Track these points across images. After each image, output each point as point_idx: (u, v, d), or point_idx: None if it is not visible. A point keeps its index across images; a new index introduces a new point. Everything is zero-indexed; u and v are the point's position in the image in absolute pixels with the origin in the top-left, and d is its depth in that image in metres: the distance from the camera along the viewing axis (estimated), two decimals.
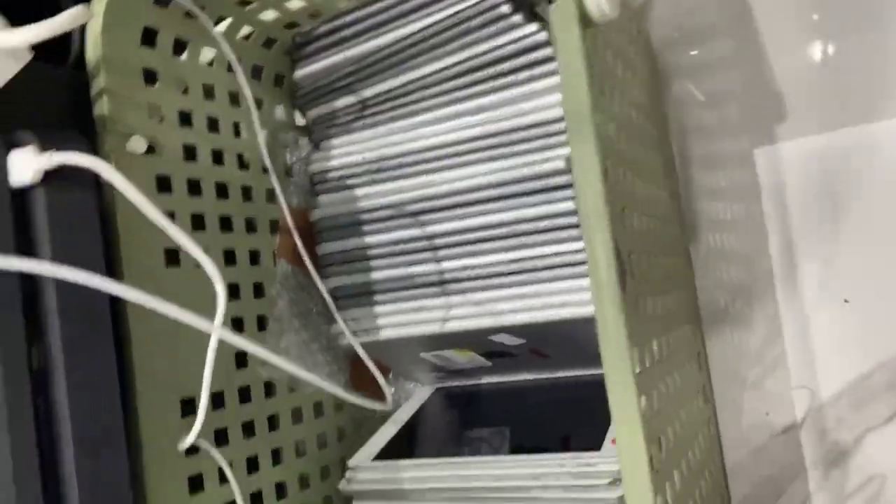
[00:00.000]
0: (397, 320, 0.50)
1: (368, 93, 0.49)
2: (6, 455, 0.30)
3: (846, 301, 0.52)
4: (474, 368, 0.55)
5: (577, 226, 0.44)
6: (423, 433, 0.55)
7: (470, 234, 0.47)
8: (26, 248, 0.31)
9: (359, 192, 0.50)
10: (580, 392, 0.53)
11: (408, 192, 0.49)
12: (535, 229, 0.45)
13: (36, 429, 0.31)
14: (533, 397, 0.55)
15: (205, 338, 0.38)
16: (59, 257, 0.32)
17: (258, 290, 0.50)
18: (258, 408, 0.48)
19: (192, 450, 0.42)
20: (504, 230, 0.46)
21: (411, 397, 0.60)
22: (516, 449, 0.47)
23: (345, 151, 0.51)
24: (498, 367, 0.55)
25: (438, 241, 0.48)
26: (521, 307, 0.46)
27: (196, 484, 0.42)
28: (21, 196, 0.32)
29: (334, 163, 0.51)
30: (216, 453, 0.43)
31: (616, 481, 0.41)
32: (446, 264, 0.48)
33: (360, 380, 0.59)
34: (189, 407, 0.42)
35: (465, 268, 0.47)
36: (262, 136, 0.49)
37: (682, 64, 0.58)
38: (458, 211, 0.47)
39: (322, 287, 0.50)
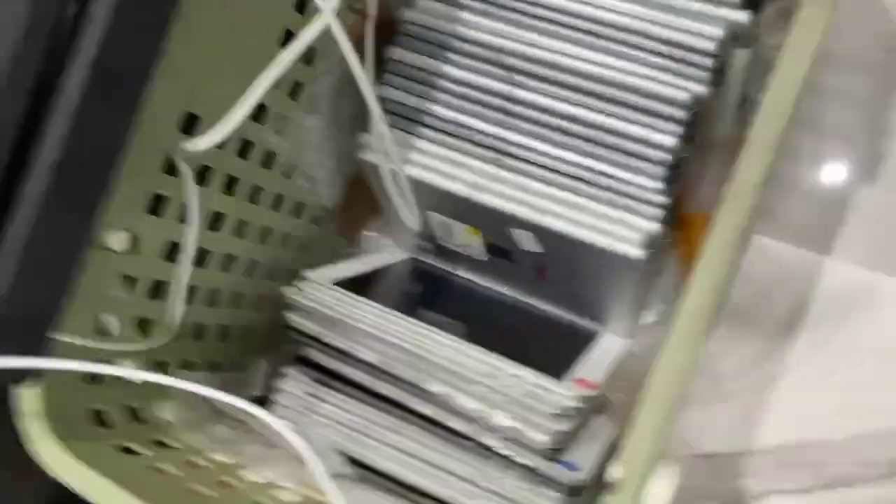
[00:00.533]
0: (432, 164, 0.45)
1: None
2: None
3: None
4: (465, 256, 0.51)
5: (663, 164, 0.40)
6: (383, 288, 0.51)
7: (552, 117, 0.43)
8: None
9: (464, 14, 0.45)
10: (554, 331, 0.50)
11: (513, 42, 0.44)
12: (620, 147, 0.41)
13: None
14: (504, 313, 0.52)
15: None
16: None
17: (308, 57, 0.44)
18: (249, 167, 0.43)
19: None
20: (589, 132, 0.42)
21: (383, 251, 0.56)
22: None
23: None
24: (488, 267, 0.51)
25: (517, 109, 0.44)
26: (564, 213, 0.42)
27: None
28: None
29: None
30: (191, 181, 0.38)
31: (561, 416, 0.39)
32: (512, 136, 0.44)
33: (350, 207, 0.55)
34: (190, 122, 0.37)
35: (530, 148, 0.43)
36: None
37: None
38: (554, 89, 0.43)
39: (369, 89, 0.45)
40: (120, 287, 0.37)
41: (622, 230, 0.41)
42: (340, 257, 0.54)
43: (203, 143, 0.36)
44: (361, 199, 0.54)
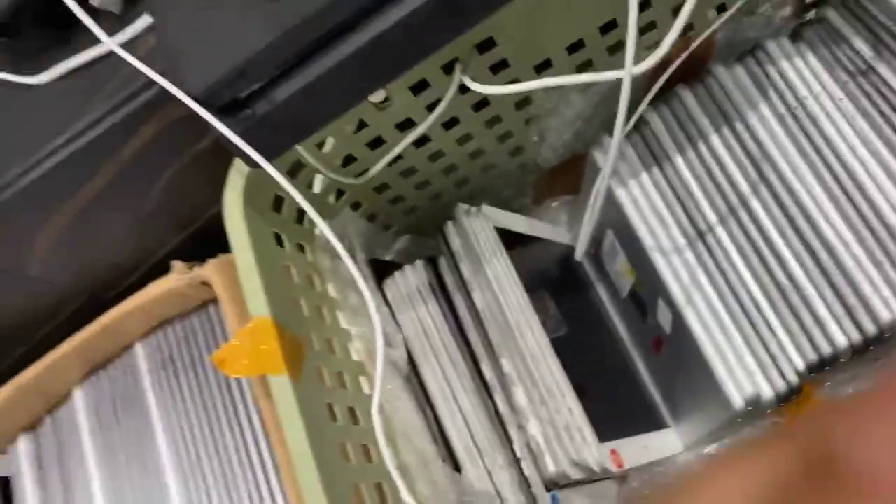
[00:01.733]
0: (639, 201, 0.47)
1: None
2: None
3: None
4: (610, 281, 0.54)
5: (822, 357, 0.41)
6: (529, 254, 0.55)
7: (765, 244, 0.43)
8: None
9: (762, 104, 0.45)
10: (633, 396, 0.52)
11: (783, 161, 0.44)
12: (798, 314, 0.42)
13: None
14: (606, 350, 0.54)
15: None
16: None
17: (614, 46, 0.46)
18: (506, 98, 0.47)
19: None
20: (783, 281, 0.42)
21: (555, 226, 0.59)
22: None
23: None
24: (621, 305, 0.54)
25: (742, 214, 0.44)
26: (709, 322, 0.44)
27: None
28: None
29: None
30: None
31: (579, 466, 0.42)
32: (721, 233, 0.45)
33: (557, 173, 0.58)
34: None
35: (726, 253, 0.44)
36: None
37: None
38: (784, 222, 0.43)
39: (637, 106, 0.47)
40: (352, 128, 0.43)
41: (743, 377, 0.42)
42: (520, 208, 0.58)
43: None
44: (569, 175, 0.57)
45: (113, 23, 0.40)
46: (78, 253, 0.51)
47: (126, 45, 0.38)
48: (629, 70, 0.33)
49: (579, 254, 0.53)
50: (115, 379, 0.55)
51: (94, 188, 0.45)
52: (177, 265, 0.50)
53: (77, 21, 0.38)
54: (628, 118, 0.46)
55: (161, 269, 0.51)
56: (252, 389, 0.48)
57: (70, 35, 0.41)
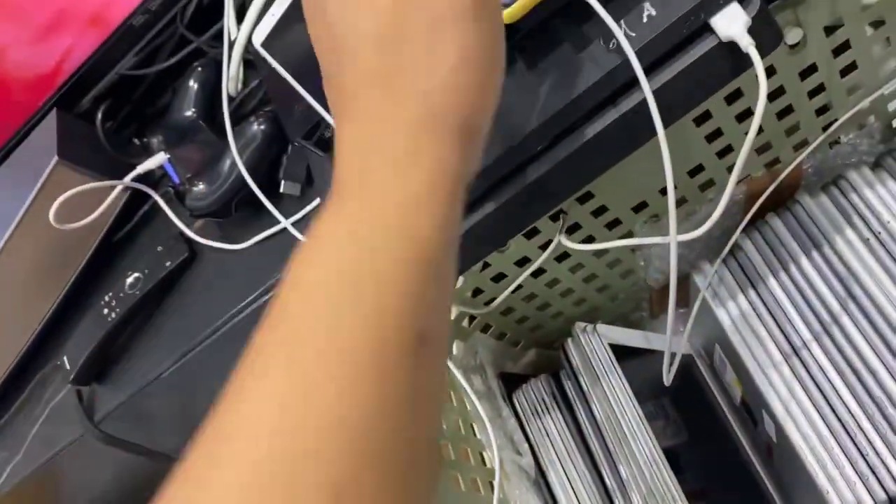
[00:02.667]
0: (738, 321, 0.52)
1: None
2: None
3: None
4: (724, 388, 0.58)
5: None
6: (648, 363, 0.61)
7: (858, 359, 0.47)
8: None
9: (848, 230, 0.49)
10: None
11: (871, 281, 0.47)
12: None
13: None
14: (724, 458, 0.58)
15: None
16: None
17: None
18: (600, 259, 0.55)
19: None
20: (880, 395, 0.45)
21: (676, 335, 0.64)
22: None
23: None
24: (737, 413, 0.57)
25: (834, 331, 0.48)
26: (808, 434, 0.47)
27: None
28: None
29: None
30: None
31: None
32: (816, 348, 0.49)
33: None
34: None
35: (822, 368, 0.48)
36: None
37: None
38: (877, 340, 0.46)
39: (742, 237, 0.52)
40: (478, 267, 0.52)
41: (844, 487, 0.45)
42: (638, 320, 0.64)
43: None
44: (681, 290, 0.62)
45: (296, 202, 0.52)
46: None
47: (299, 222, 0.51)
48: (673, 237, 0.38)
49: (667, 380, 0.57)
50: None
51: None
52: None
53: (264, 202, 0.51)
54: (723, 246, 0.52)
55: None
56: None
57: (264, 213, 0.54)
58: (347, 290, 0.23)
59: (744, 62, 0.36)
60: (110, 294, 0.60)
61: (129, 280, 0.59)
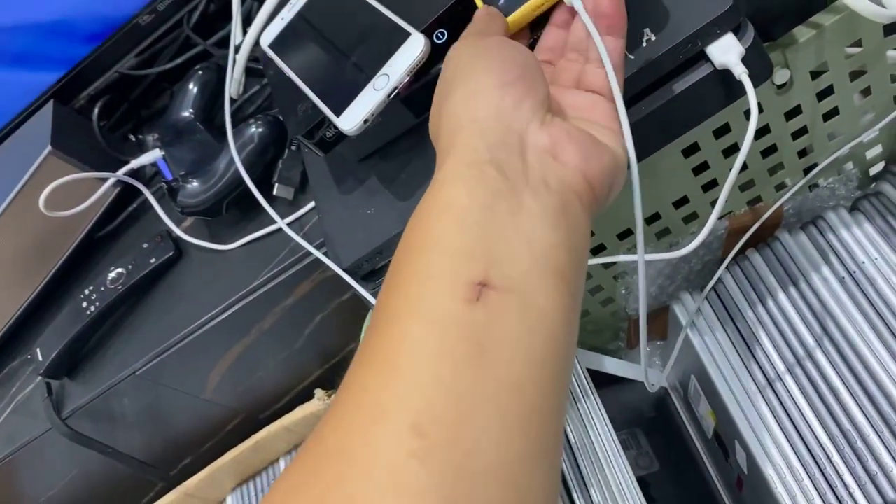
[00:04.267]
0: (713, 350, 0.53)
1: None
2: None
3: None
4: (698, 423, 0.59)
5: None
6: (626, 392, 0.61)
7: (829, 392, 0.48)
8: None
9: (824, 267, 0.51)
10: None
11: (846, 320, 0.49)
12: (862, 459, 0.45)
13: None
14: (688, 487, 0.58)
15: None
16: None
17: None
18: None
19: None
20: (849, 428, 0.46)
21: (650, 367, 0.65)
22: None
23: None
24: (709, 446, 0.58)
25: (808, 365, 0.49)
26: (779, 464, 0.48)
27: None
28: None
29: None
30: None
31: None
32: (790, 381, 0.49)
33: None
34: None
35: (794, 400, 0.49)
36: None
37: None
38: (849, 376, 0.48)
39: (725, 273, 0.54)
40: None
41: None
42: (616, 350, 0.64)
43: None
44: (659, 322, 0.63)
45: (287, 206, 0.53)
46: (241, 380, 0.63)
47: (294, 223, 0.51)
48: (641, 257, 0.39)
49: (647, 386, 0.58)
50: (262, 490, 0.65)
51: (260, 330, 0.57)
52: (318, 392, 0.61)
53: (259, 205, 0.51)
54: (707, 280, 0.53)
55: (306, 395, 0.61)
56: None
57: (254, 215, 0.54)
58: None
59: (736, 91, 0.38)
60: (91, 288, 0.59)
61: (112, 275, 0.59)
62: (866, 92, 0.50)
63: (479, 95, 0.29)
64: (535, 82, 0.30)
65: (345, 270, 0.42)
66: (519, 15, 0.36)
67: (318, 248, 0.48)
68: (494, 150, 0.27)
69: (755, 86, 0.37)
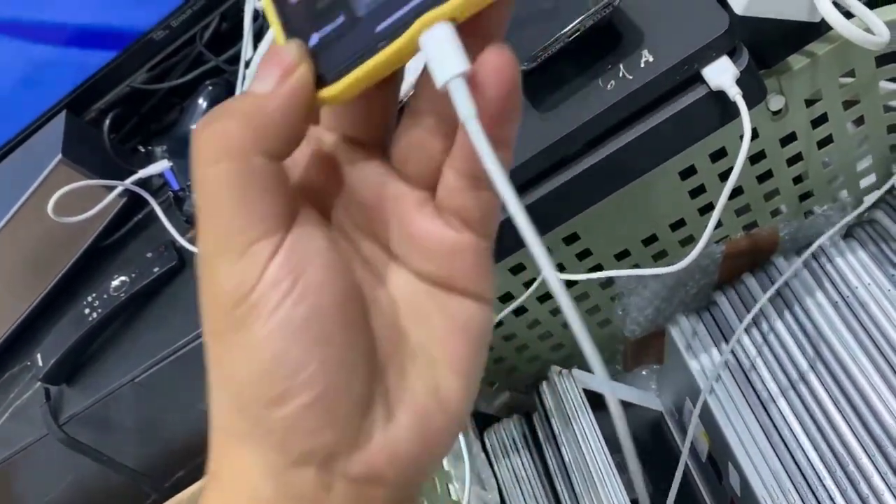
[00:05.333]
0: (710, 377, 0.53)
1: None
2: None
3: None
4: (693, 445, 0.59)
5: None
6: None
7: (820, 412, 0.48)
8: None
9: (818, 293, 0.51)
10: None
11: (840, 345, 0.49)
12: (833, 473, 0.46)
13: None
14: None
15: None
16: None
17: None
18: None
19: None
20: (841, 450, 0.47)
21: (645, 391, 0.65)
22: None
23: None
24: (702, 469, 0.58)
25: (801, 388, 0.50)
26: (768, 481, 0.48)
27: None
28: None
29: None
30: None
31: None
32: (782, 403, 0.50)
33: (648, 342, 0.65)
34: None
35: (787, 422, 0.49)
36: None
37: None
38: (841, 399, 0.48)
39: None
40: None
41: None
42: (612, 373, 0.65)
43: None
44: (656, 345, 0.64)
45: None
46: None
47: None
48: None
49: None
50: None
51: None
52: None
53: None
54: (703, 304, 0.54)
55: None
56: None
57: None
58: None
59: (731, 112, 0.39)
60: (94, 295, 0.60)
61: (115, 283, 0.60)
62: (860, 121, 0.51)
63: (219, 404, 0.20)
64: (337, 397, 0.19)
65: None
66: (359, 76, 0.19)
67: None
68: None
69: (749, 108, 0.38)
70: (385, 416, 0.20)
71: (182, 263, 0.60)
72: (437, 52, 0.18)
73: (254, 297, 0.19)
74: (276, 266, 0.19)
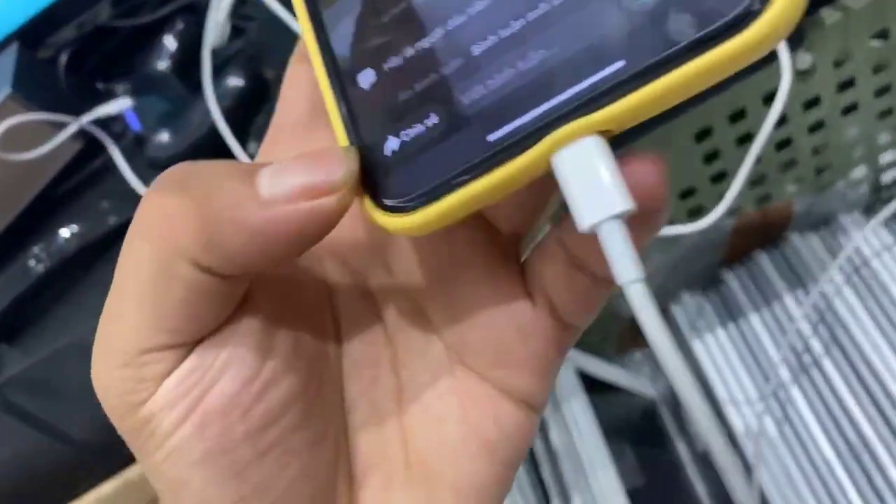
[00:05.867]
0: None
1: None
2: None
3: None
4: (691, 437, 0.55)
5: None
6: (615, 401, 0.57)
7: (839, 407, 0.44)
8: None
9: (838, 303, 0.48)
10: None
11: (874, 354, 0.46)
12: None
13: None
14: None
15: None
16: None
17: None
18: None
19: None
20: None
21: (639, 376, 0.61)
22: None
23: None
24: (701, 463, 0.54)
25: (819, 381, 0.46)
26: None
27: None
28: None
29: None
30: None
31: None
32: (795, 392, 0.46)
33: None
34: None
35: (792, 429, 0.45)
36: None
37: None
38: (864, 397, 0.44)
39: None
40: None
41: None
42: (605, 355, 0.61)
43: None
44: None
45: None
46: None
47: None
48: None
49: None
50: None
51: None
52: None
53: (234, 157, 0.47)
54: (708, 282, 0.50)
55: None
56: None
57: None
58: None
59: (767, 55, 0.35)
60: (41, 245, 0.54)
61: (65, 233, 0.54)
62: (883, 91, 0.47)
63: None
64: None
65: None
66: (454, 203, 0.13)
67: None
68: None
69: (790, 47, 0.34)
70: None
71: None
72: (580, 177, 0.12)
73: (143, 412, 0.14)
74: (170, 384, 0.14)
